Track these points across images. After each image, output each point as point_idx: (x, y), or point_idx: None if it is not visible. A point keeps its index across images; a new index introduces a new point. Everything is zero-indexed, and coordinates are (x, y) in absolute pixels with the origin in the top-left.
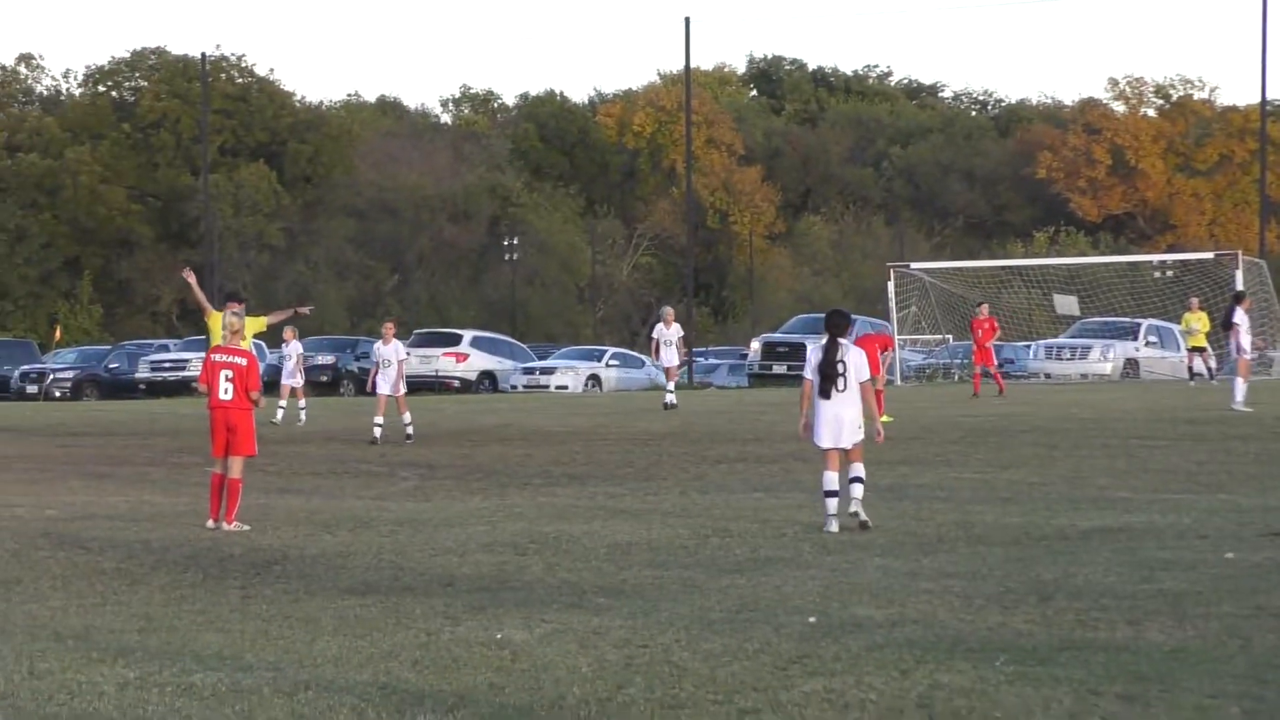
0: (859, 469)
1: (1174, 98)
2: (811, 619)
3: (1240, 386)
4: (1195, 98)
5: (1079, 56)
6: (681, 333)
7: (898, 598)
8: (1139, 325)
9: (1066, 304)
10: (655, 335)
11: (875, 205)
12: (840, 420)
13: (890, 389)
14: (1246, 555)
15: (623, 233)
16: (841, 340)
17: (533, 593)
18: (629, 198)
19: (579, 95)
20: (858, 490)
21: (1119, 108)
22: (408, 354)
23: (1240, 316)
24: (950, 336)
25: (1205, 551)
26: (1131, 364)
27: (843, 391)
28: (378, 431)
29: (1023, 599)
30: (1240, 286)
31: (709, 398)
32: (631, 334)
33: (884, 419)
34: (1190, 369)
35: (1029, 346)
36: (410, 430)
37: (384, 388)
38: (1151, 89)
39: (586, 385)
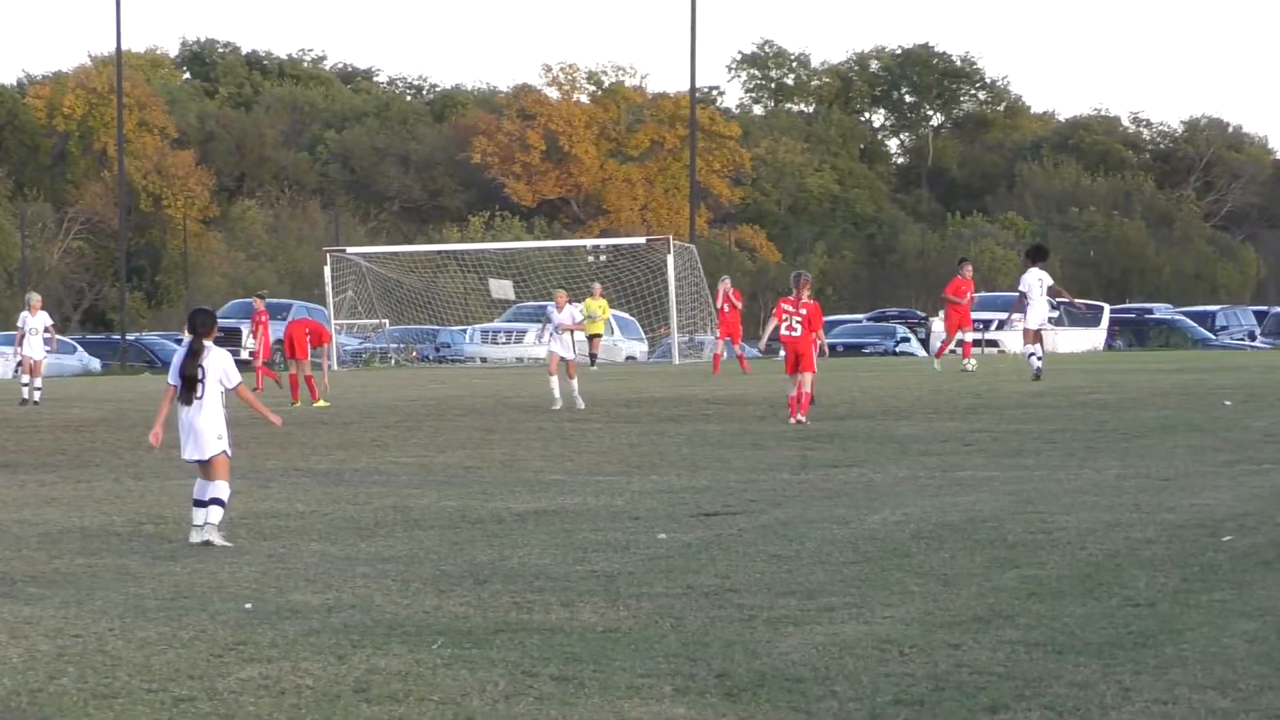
0: (220, 488)
1: (606, 84)
2: (248, 605)
3: (555, 386)
4: (627, 84)
5: (513, 43)
6: (50, 321)
7: (334, 583)
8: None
9: (502, 288)
10: (20, 324)
11: (311, 190)
12: (197, 430)
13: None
14: (678, 535)
15: (53, 216)
16: (206, 343)
17: None
18: (60, 181)
19: (7, 77)
20: (215, 514)
21: (553, 94)
22: None
23: (568, 311)
24: (387, 321)
25: (638, 532)
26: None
27: (200, 399)
28: None
29: (459, 582)
30: (671, 271)
31: (143, 383)
32: (64, 319)
33: (320, 404)
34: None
35: (465, 331)
36: None
37: None
38: (584, 75)
39: (15, 372)
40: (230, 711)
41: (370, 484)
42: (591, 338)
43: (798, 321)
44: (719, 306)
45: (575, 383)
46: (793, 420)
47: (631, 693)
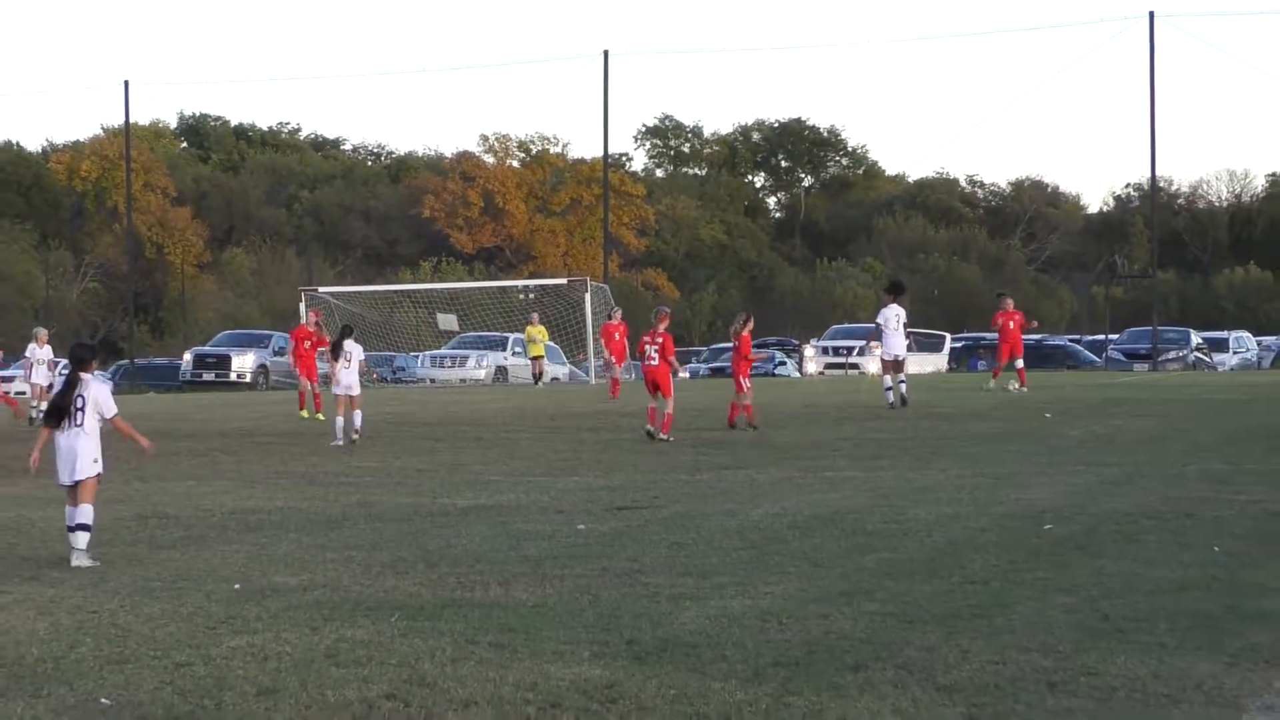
0: (85, 513)
1: (534, 151)
2: (236, 586)
3: (338, 424)
4: (551, 151)
5: (456, 116)
6: (53, 354)
7: (309, 566)
8: (507, 338)
9: (448, 321)
10: (28, 355)
11: (288, 240)
12: (74, 454)
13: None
14: (595, 526)
15: (72, 262)
16: (84, 375)
17: None
18: (78, 233)
19: (33, 145)
20: (82, 539)
21: (489, 159)
22: None
23: (351, 347)
24: None
25: (562, 524)
26: (501, 371)
27: (79, 426)
28: None
29: (412, 565)
30: (588, 307)
31: (148, 400)
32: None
33: (316, 417)
34: (534, 375)
35: (417, 357)
36: None
37: None
38: (515, 144)
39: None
40: (222, 674)
41: (339, 484)
42: (534, 359)
43: (655, 351)
44: (612, 335)
45: (344, 418)
46: (650, 426)
47: (556, 657)
